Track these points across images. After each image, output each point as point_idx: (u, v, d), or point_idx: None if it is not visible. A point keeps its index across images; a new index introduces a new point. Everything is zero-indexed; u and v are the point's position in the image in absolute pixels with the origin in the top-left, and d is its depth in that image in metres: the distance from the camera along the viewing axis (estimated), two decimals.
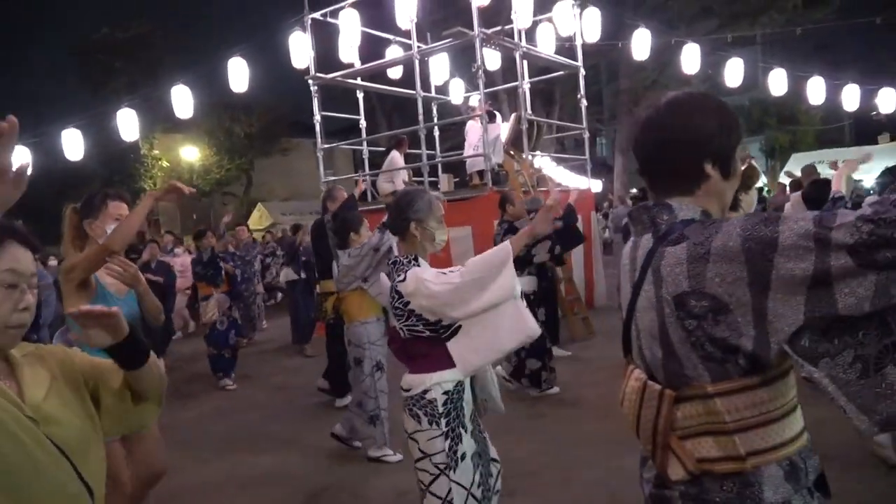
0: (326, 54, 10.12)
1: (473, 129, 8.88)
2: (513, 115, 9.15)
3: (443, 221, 2.60)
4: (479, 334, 2.37)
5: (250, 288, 9.84)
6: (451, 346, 2.38)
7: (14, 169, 1.44)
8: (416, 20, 8.93)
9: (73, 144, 8.05)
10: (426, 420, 2.35)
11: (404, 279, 2.39)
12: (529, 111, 9.22)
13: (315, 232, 5.94)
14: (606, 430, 4.15)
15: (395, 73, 11.01)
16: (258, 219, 24.66)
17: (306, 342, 8.22)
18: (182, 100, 8.35)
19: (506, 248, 2.36)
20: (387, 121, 22.04)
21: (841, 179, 4.06)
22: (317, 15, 9.35)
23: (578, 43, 9.94)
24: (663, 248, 1.26)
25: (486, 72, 8.73)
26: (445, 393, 2.36)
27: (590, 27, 9.48)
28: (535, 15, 9.43)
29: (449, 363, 2.37)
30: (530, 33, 10.07)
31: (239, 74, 8.41)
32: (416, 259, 2.48)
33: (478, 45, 8.35)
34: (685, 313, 1.21)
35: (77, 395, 1.37)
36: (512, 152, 8.64)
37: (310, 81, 9.64)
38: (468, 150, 8.96)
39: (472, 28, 8.35)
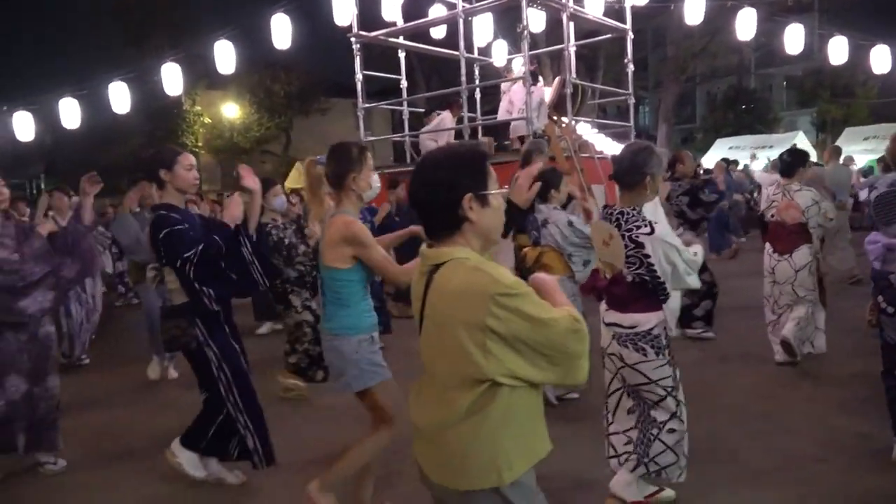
0: (369, 12, 9.99)
1: (516, 92, 8.71)
2: (557, 79, 8.94)
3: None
4: None
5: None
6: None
7: None
8: None
9: (119, 97, 8.15)
10: (653, 352, 2.79)
11: (651, 232, 2.72)
12: (574, 75, 8.99)
13: None
14: None
15: (438, 32, 10.81)
16: (296, 178, 24.80)
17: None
18: (225, 55, 8.35)
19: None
20: (426, 82, 21.83)
21: None
22: None
23: (628, 5, 9.61)
24: None
25: (530, 33, 8.52)
26: (665, 329, 2.82)
27: None
28: None
29: (660, 305, 2.81)
30: None
31: (282, 31, 8.35)
32: (640, 210, 2.83)
33: (524, 4, 8.13)
34: None
35: None
36: (555, 117, 8.46)
37: (352, 39, 9.55)
38: (513, 113, 8.80)
39: None
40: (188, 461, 3.42)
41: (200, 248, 3.10)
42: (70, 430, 4.20)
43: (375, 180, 2.90)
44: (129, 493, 3.53)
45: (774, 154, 17.25)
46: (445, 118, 9.21)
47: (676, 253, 2.76)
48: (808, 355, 5.02)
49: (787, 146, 18.24)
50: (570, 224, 4.12)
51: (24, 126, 8.28)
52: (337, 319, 2.78)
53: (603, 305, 3.01)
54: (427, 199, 1.60)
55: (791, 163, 5.04)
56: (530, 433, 1.62)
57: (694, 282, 2.89)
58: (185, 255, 3.09)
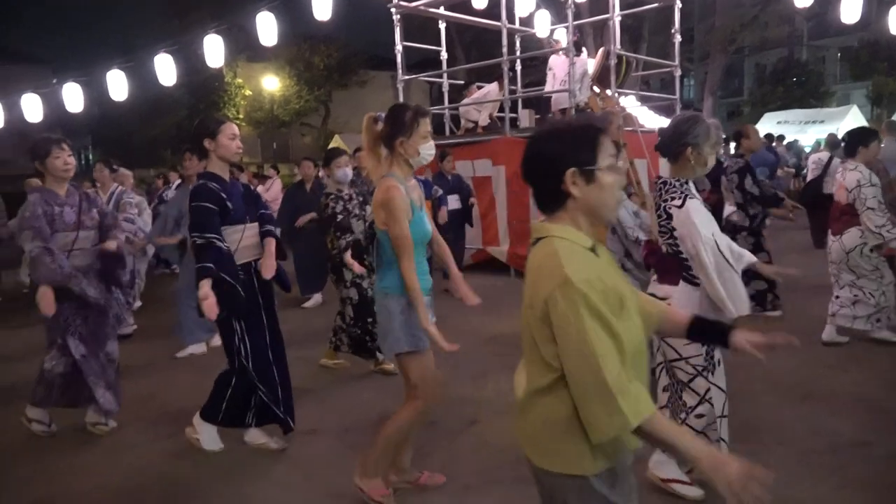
0: None
1: (558, 64, 8.54)
2: (601, 50, 8.74)
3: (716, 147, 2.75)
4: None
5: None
6: None
7: None
8: None
9: (164, 70, 8.25)
10: None
11: (681, 205, 2.62)
12: (618, 46, 8.77)
13: None
14: None
15: (479, 3, 10.63)
16: None
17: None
18: (266, 27, 8.36)
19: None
20: (465, 54, 21.58)
21: None
22: None
23: None
24: None
25: (574, 3, 8.32)
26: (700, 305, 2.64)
27: None
28: None
29: (693, 281, 2.67)
30: None
31: (323, 2, 8.31)
32: (686, 183, 2.71)
33: None
34: None
35: None
36: (598, 89, 8.29)
37: (392, 10, 9.47)
38: (555, 85, 8.65)
39: None
40: (207, 435, 3.57)
41: (206, 239, 3.14)
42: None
43: (427, 148, 2.79)
44: (174, 453, 3.65)
45: (825, 129, 16.64)
46: (492, 90, 9.11)
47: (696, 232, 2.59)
48: (862, 337, 4.87)
49: (840, 121, 17.72)
50: (637, 214, 4.03)
51: (73, 98, 8.48)
52: (387, 278, 2.78)
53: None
54: (531, 171, 1.55)
55: (850, 142, 4.90)
56: None
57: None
58: (193, 234, 3.19)
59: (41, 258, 3.60)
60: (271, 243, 3.46)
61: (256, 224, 3.46)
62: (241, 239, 3.34)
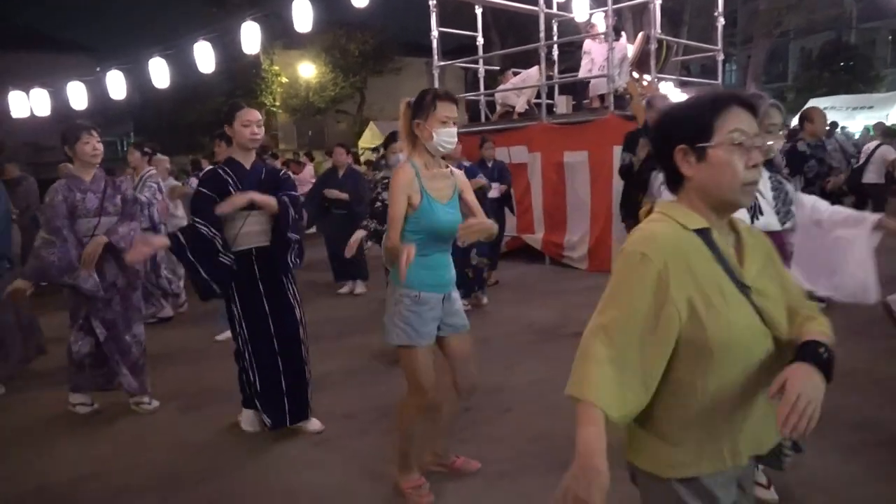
0: None
1: (597, 49, 8.39)
2: (640, 34, 8.55)
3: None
4: None
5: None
6: None
7: None
8: None
9: (203, 57, 8.35)
10: None
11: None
12: (658, 30, 8.57)
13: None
14: None
15: None
16: (370, 138, 25.06)
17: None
18: (302, 14, 8.39)
19: None
20: (501, 40, 21.38)
21: None
22: None
23: None
24: None
25: None
26: None
27: None
28: None
29: None
30: None
31: None
32: None
33: None
34: None
35: (779, 283, 1.44)
36: (637, 74, 8.13)
37: None
38: (593, 71, 8.50)
39: None
40: (246, 416, 3.71)
41: (192, 221, 3.34)
42: (163, 375, 4.54)
43: (444, 134, 2.60)
44: (214, 432, 3.74)
45: (874, 116, 16.05)
46: (532, 74, 8.99)
47: None
48: None
49: (890, 107, 17.10)
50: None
51: (116, 86, 8.66)
52: (393, 268, 2.70)
53: None
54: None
55: None
56: (704, 433, 1.37)
57: None
58: (191, 215, 3.36)
59: (39, 251, 3.72)
60: (272, 199, 3.36)
61: (264, 212, 3.40)
62: (242, 226, 3.38)
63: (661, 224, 1.39)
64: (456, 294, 2.83)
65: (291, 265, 3.53)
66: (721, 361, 1.32)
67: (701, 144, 1.34)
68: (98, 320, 3.90)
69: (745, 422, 1.37)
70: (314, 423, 3.67)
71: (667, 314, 1.29)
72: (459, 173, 2.86)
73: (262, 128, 3.43)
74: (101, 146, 3.88)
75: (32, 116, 9.19)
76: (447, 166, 2.82)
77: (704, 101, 1.38)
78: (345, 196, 6.97)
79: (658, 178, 4.20)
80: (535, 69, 8.99)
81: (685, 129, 1.37)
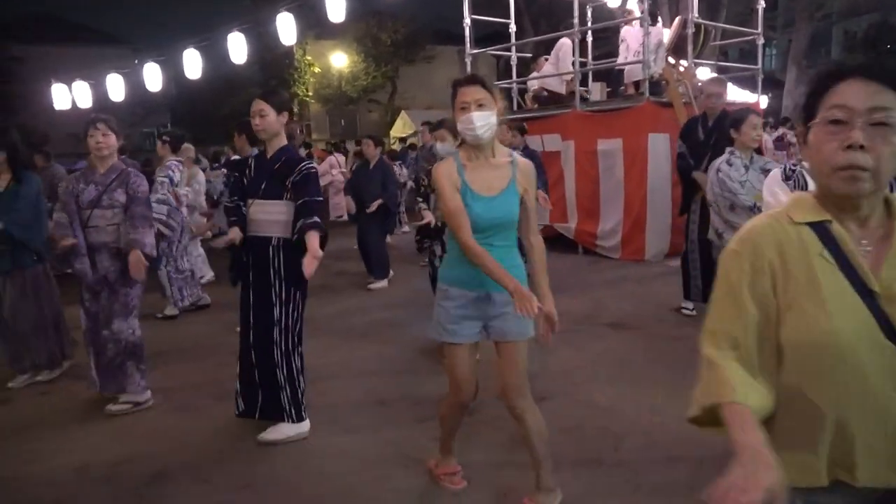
0: None
1: (632, 35, 8.24)
2: (677, 19, 8.37)
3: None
4: None
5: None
6: None
7: None
8: None
9: (237, 48, 8.44)
10: None
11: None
12: (696, 14, 8.38)
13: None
14: None
15: None
16: (401, 127, 25.12)
17: None
18: (335, 4, 8.41)
19: None
20: (533, 27, 21.15)
21: None
22: None
23: None
24: None
25: None
26: None
27: None
28: None
29: None
30: None
31: None
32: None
33: None
34: None
35: None
36: (673, 60, 7.97)
37: None
38: (628, 57, 8.35)
39: None
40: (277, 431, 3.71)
41: (233, 202, 3.53)
42: (201, 365, 4.64)
43: (464, 121, 2.45)
44: (250, 419, 3.80)
45: None
46: (565, 43, 8.84)
47: None
48: None
49: None
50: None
51: (153, 77, 8.82)
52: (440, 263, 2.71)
53: None
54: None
55: None
56: (792, 443, 1.23)
57: None
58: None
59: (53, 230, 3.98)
60: (313, 239, 3.18)
61: (267, 201, 3.37)
62: (245, 214, 3.46)
63: (766, 217, 1.31)
64: (502, 297, 2.51)
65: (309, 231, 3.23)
66: (803, 365, 1.20)
67: (809, 123, 1.24)
68: (83, 310, 4.00)
69: (856, 442, 1.18)
70: (303, 426, 3.52)
71: (765, 308, 1.23)
72: (524, 164, 2.60)
73: (264, 118, 3.33)
74: (105, 139, 3.86)
75: (75, 108, 9.43)
76: (509, 155, 2.61)
77: (820, 75, 1.25)
78: (377, 203, 7.03)
79: (714, 166, 4.09)
80: (566, 40, 8.82)
81: (802, 108, 1.27)
